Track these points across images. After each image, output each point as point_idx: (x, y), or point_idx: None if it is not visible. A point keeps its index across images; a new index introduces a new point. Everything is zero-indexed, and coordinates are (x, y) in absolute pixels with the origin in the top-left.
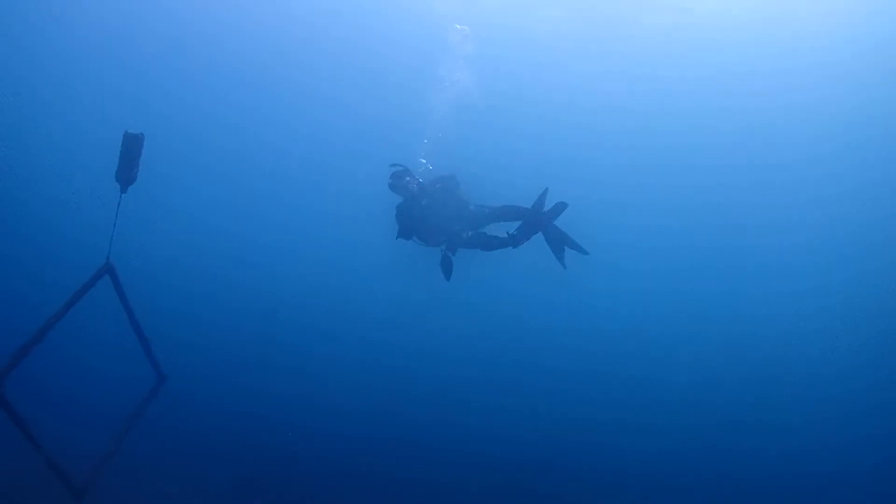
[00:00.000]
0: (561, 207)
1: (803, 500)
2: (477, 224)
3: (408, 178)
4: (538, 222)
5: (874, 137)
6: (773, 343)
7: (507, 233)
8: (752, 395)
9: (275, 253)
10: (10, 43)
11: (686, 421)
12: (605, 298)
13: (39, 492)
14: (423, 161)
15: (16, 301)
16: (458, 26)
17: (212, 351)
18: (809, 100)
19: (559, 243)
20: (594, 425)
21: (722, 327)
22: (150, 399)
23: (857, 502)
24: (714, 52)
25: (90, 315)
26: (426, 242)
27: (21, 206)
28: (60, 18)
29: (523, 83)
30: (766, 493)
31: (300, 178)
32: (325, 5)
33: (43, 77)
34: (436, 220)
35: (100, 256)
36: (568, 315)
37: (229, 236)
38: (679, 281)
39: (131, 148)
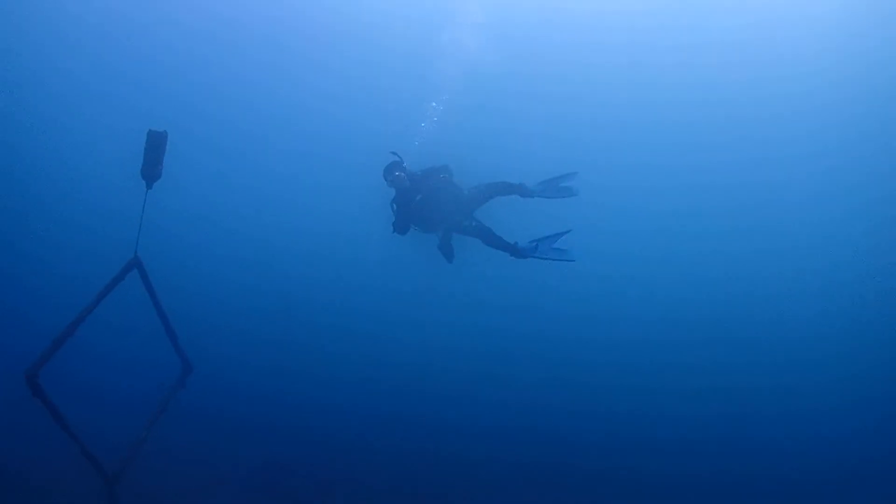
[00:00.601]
0: (566, 192)
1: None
2: (473, 206)
3: (397, 172)
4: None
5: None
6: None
7: (515, 242)
8: (756, 384)
9: (290, 240)
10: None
11: (688, 408)
12: (607, 285)
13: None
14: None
15: (44, 297)
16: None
17: (232, 338)
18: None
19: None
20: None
21: (723, 311)
22: (177, 388)
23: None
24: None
25: (119, 308)
26: (425, 230)
27: (46, 206)
28: (77, 19)
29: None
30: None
31: (309, 168)
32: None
33: (59, 77)
34: (434, 214)
35: (122, 251)
36: (573, 302)
37: (241, 226)
38: (680, 266)
39: (156, 145)
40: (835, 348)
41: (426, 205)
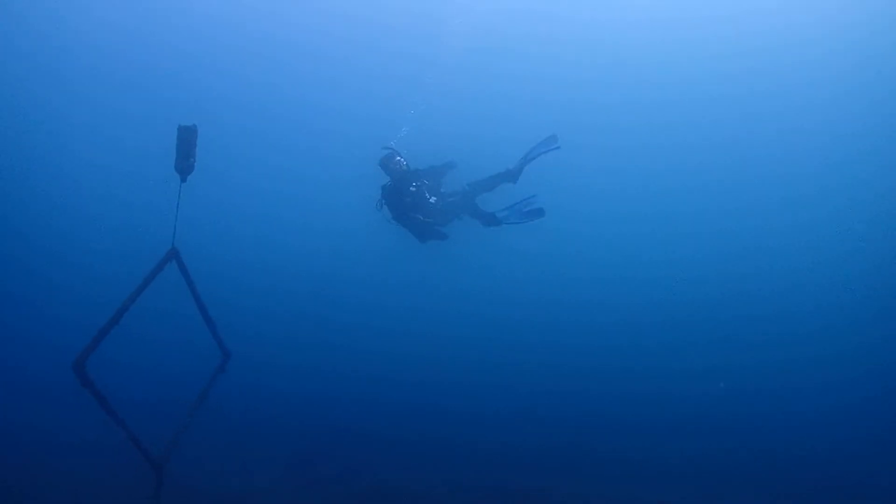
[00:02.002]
0: (534, 216)
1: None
2: (448, 217)
3: (398, 158)
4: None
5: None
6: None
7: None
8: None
9: (291, 236)
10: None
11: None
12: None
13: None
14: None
15: (81, 289)
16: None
17: (263, 333)
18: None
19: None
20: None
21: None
22: (217, 374)
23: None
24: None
25: (158, 298)
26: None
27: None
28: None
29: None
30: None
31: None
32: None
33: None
34: (430, 206)
35: (156, 244)
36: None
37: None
38: (683, 260)
39: (186, 140)
40: (835, 342)
41: (420, 195)
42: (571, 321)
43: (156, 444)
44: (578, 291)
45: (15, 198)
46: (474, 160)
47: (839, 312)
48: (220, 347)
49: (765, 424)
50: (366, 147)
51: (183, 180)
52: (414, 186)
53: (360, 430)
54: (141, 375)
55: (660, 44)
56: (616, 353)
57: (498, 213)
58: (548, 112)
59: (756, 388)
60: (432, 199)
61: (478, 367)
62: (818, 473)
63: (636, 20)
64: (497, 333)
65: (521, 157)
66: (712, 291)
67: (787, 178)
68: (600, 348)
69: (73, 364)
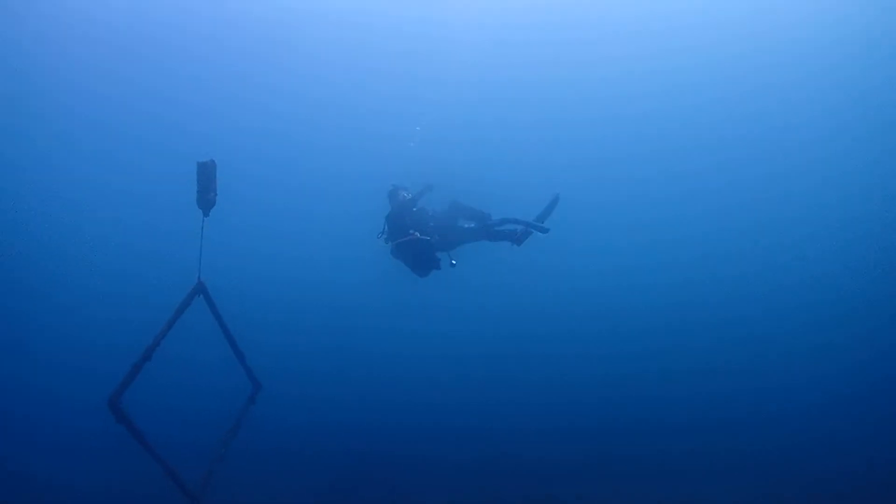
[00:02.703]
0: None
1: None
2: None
3: (403, 193)
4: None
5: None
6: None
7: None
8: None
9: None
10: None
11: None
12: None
13: None
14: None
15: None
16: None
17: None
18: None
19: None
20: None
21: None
22: (248, 405)
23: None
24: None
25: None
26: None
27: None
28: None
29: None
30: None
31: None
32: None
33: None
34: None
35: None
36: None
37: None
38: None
39: (206, 175)
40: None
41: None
42: (588, 330)
43: (191, 477)
44: (585, 298)
45: (31, 231)
46: (478, 174)
47: (838, 310)
48: (250, 379)
49: (770, 418)
50: (377, 165)
51: (206, 215)
52: (416, 208)
53: (398, 454)
54: (173, 410)
55: (663, 52)
56: (631, 357)
57: (518, 227)
58: (552, 121)
59: (760, 386)
60: (431, 224)
61: (504, 384)
62: (818, 465)
63: (642, 29)
64: (518, 348)
65: (527, 222)
66: (711, 291)
67: (785, 178)
68: (614, 355)
69: (109, 401)
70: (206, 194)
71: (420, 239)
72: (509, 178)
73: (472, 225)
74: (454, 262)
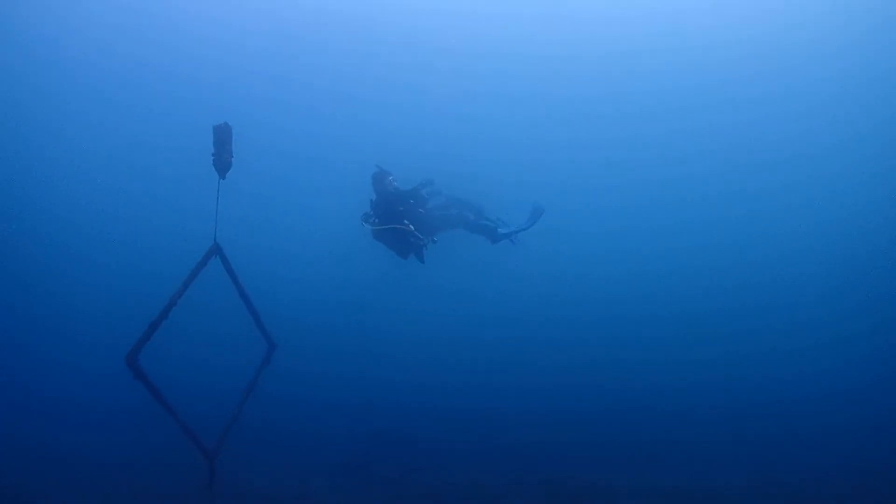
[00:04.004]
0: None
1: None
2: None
3: (390, 178)
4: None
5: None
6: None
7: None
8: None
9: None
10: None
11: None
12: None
13: None
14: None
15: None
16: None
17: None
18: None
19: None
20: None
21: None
22: (263, 365)
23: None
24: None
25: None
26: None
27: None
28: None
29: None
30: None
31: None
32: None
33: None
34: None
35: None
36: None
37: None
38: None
39: (222, 137)
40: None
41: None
42: (597, 320)
43: (207, 436)
44: (596, 288)
45: (53, 202)
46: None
47: (839, 307)
48: (265, 339)
49: (769, 410)
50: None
51: (222, 177)
52: (402, 207)
53: (411, 433)
54: (188, 368)
55: (659, 52)
56: (638, 347)
57: (500, 228)
58: (547, 118)
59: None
60: (421, 213)
61: (520, 368)
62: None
63: (637, 28)
64: (532, 333)
65: (513, 229)
66: (709, 285)
67: (782, 176)
68: (621, 344)
69: (126, 357)
70: (221, 156)
71: (410, 231)
72: (505, 178)
73: (466, 214)
74: (435, 239)
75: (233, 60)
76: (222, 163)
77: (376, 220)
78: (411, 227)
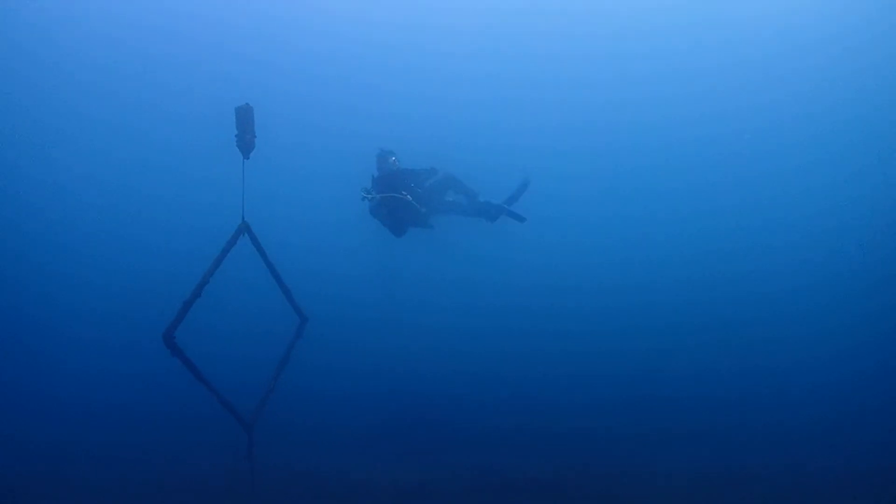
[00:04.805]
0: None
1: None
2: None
3: (393, 158)
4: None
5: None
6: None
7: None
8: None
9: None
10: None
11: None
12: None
13: None
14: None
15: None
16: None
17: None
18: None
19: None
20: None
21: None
22: (296, 338)
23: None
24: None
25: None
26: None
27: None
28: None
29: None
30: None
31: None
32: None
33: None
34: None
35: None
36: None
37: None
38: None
39: (244, 118)
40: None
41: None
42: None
43: (244, 408)
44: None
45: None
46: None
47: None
48: (297, 312)
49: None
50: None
51: (246, 157)
52: (404, 191)
53: (446, 404)
54: (222, 345)
55: (662, 52)
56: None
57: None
58: (543, 113)
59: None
60: (420, 192)
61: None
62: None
63: (635, 26)
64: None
65: (501, 202)
66: (708, 285)
67: (779, 175)
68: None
69: (163, 335)
70: (244, 137)
71: (408, 201)
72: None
73: (460, 199)
74: (432, 224)
75: (246, 51)
76: (245, 143)
77: (375, 195)
78: (409, 197)
